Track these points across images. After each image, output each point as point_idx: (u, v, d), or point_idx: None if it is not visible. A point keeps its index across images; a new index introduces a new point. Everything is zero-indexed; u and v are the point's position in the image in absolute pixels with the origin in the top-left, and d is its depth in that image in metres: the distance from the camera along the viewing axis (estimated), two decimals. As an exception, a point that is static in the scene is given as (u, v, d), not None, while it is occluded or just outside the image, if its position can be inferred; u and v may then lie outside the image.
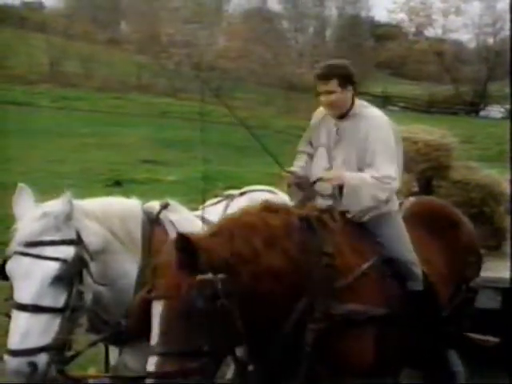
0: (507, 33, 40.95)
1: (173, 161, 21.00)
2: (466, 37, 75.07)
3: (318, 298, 3.49)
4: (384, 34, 53.65)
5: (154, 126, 28.12)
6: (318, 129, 4.31)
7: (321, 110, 4.34)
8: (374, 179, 3.93)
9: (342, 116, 4.15)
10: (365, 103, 4.25)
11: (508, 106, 38.11)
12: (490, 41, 50.27)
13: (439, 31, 51.67)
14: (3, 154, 17.37)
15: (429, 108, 43.52)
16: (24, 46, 36.96)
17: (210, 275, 3.05)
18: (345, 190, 3.90)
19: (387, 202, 4.05)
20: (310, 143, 4.38)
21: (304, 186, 4.16)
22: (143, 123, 28.87)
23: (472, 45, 53.52)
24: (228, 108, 4.31)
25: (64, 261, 3.27)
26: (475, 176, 6.63)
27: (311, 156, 4.34)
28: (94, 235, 3.48)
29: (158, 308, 3.06)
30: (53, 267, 3.25)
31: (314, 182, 4.11)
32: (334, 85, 4.05)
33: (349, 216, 3.96)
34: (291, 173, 4.21)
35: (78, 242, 3.37)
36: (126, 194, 3.99)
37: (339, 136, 4.14)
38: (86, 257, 3.39)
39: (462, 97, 47.59)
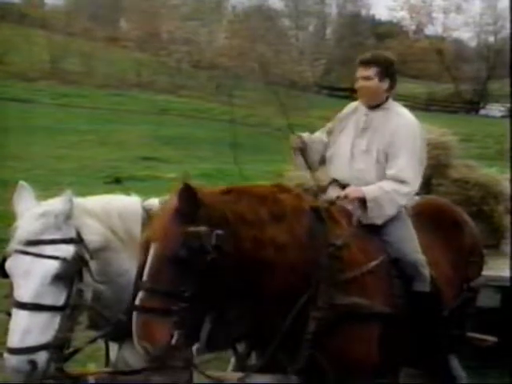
0: (508, 31, 40.96)
1: (172, 158, 21.02)
2: (466, 35, 75.17)
3: (322, 286, 3.51)
4: (384, 32, 53.61)
5: (154, 124, 28.14)
6: (346, 118, 4.35)
7: (353, 104, 4.39)
8: (392, 182, 3.97)
9: (375, 107, 4.19)
10: (397, 103, 4.30)
11: (508, 105, 38.13)
12: (491, 39, 50.33)
13: (440, 29, 51.75)
14: (3, 150, 17.38)
15: (428, 106, 43.48)
16: (24, 43, 36.96)
17: (203, 228, 3.12)
18: (368, 204, 3.91)
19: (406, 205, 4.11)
20: (329, 132, 4.41)
21: (306, 153, 4.26)
22: (143, 120, 28.89)
23: (472, 43, 53.63)
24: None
25: (64, 259, 3.26)
26: (474, 174, 6.62)
27: (324, 144, 4.38)
28: (94, 233, 3.47)
29: (152, 248, 3.17)
30: (53, 266, 3.24)
31: (330, 183, 4.14)
32: (372, 72, 4.11)
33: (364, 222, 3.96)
34: (298, 136, 4.27)
35: (78, 240, 3.36)
36: (126, 191, 3.98)
37: (367, 125, 4.19)
38: (86, 255, 3.39)
39: (462, 95, 47.62)
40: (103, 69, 38.94)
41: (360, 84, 4.16)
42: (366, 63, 4.13)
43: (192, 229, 3.12)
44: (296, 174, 5.91)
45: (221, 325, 3.63)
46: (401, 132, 4.05)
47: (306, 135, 4.34)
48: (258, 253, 3.33)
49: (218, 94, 37.45)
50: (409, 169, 4.01)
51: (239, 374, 3.60)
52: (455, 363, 4.68)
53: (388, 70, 4.17)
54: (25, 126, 23.11)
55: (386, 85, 4.16)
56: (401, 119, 4.13)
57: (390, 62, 4.22)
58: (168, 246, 3.11)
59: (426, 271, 4.00)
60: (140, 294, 3.11)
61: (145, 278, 3.13)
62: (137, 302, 3.10)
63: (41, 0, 54.19)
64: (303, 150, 4.27)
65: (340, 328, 3.54)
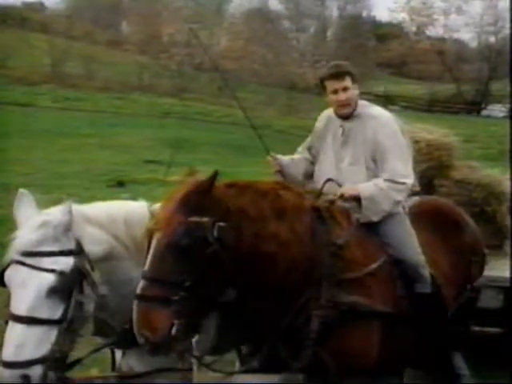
0: (509, 32, 40.90)
1: (175, 161, 21.02)
2: (467, 36, 75.11)
3: (325, 285, 3.55)
4: (385, 33, 53.67)
5: (157, 127, 28.14)
6: (323, 132, 4.36)
7: (325, 114, 4.40)
8: (388, 182, 3.99)
9: (347, 117, 4.20)
10: (366, 103, 4.32)
11: (509, 105, 38.11)
12: (492, 40, 50.24)
13: (440, 30, 51.77)
14: (5, 154, 17.40)
15: (430, 107, 43.51)
16: (25, 47, 37.01)
17: (206, 219, 3.15)
18: (363, 203, 3.93)
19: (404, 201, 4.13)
20: (309, 148, 4.44)
21: (285, 174, 4.30)
22: (145, 123, 28.89)
23: (473, 44, 53.56)
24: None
25: (61, 273, 3.18)
26: (477, 175, 6.62)
27: (306, 161, 4.42)
28: (96, 243, 3.40)
29: (154, 238, 3.22)
30: (49, 279, 3.17)
31: (324, 184, 4.16)
32: (348, 81, 4.15)
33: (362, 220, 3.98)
34: (274, 159, 4.32)
35: (77, 252, 3.29)
36: (133, 196, 3.94)
37: (345, 137, 4.19)
38: (87, 266, 3.31)
39: (464, 96, 47.59)
40: (104, 72, 38.94)
41: (342, 96, 4.14)
42: (340, 75, 4.14)
43: (195, 219, 3.15)
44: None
45: (226, 331, 3.64)
46: (381, 134, 4.07)
47: (285, 158, 4.39)
48: (259, 247, 3.37)
49: (220, 96, 37.47)
50: (400, 167, 4.04)
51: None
52: (460, 361, 4.69)
53: (354, 76, 4.21)
54: (26, 129, 23.11)
55: (357, 91, 4.22)
56: (376, 122, 4.13)
57: (351, 68, 4.26)
58: (170, 234, 3.15)
59: (427, 272, 4.03)
60: (141, 283, 3.14)
61: (146, 267, 3.17)
62: (137, 290, 3.13)
63: (41, 4, 54.37)
64: (282, 172, 4.32)
65: (341, 326, 3.57)
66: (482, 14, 50.16)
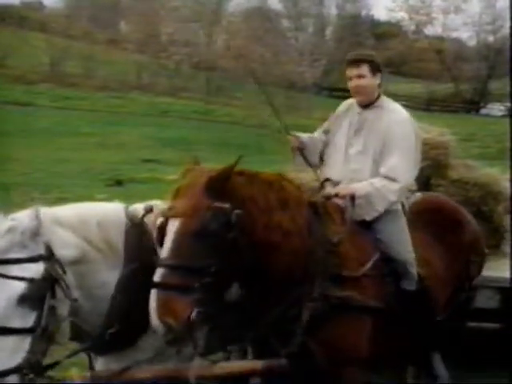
0: (507, 31, 40.94)
1: (173, 160, 21.03)
2: (466, 35, 75.18)
3: (318, 280, 3.59)
4: (384, 32, 53.64)
5: (155, 126, 28.15)
6: (341, 117, 4.40)
7: (349, 101, 4.43)
8: (384, 179, 4.01)
9: (367, 106, 4.24)
10: (389, 99, 4.34)
11: (508, 104, 38.13)
12: (490, 39, 50.29)
13: (439, 29, 51.69)
14: (4, 153, 17.41)
15: (429, 106, 43.44)
16: (24, 46, 37.00)
17: (227, 205, 3.21)
18: (357, 201, 3.96)
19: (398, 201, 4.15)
20: (326, 131, 4.47)
21: (304, 152, 4.34)
22: (144, 123, 28.90)
23: (472, 43, 53.57)
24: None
25: (31, 280, 3.08)
26: (474, 174, 6.59)
27: (322, 142, 4.44)
28: (67, 246, 3.27)
29: (173, 225, 3.19)
30: (19, 287, 3.06)
31: (324, 181, 4.17)
32: (364, 69, 4.16)
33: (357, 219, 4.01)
34: (295, 137, 4.33)
35: (47, 257, 3.17)
36: (127, 194, 3.93)
37: (360, 124, 4.23)
38: (58, 271, 3.20)
39: (462, 95, 47.62)
40: (103, 71, 38.96)
41: (355, 83, 4.19)
42: (357, 62, 4.19)
43: (219, 204, 3.19)
44: (296, 175, 5.92)
45: (215, 331, 3.66)
46: (393, 129, 4.10)
47: (304, 136, 4.40)
48: (267, 237, 3.42)
49: (218, 95, 37.43)
50: (400, 166, 4.04)
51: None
52: (438, 362, 4.70)
53: (377, 66, 4.23)
54: (25, 129, 23.14)
55: (377, 80, 4.23)
56: (393, 116, 4.16)
57: (376, 57, 4.28)
58: (198, 219, 3.15)
59: (414, 270, 4.05)
60: (159, 271, 3.11)
61: (165, 254, 3.15)
62: (156, 278, 3.10)
63: (40, 3, 54.37)
64: (302, 150, 4.34)
65: (333, 320, 3.61)
66: (481, 13, 50.25)
